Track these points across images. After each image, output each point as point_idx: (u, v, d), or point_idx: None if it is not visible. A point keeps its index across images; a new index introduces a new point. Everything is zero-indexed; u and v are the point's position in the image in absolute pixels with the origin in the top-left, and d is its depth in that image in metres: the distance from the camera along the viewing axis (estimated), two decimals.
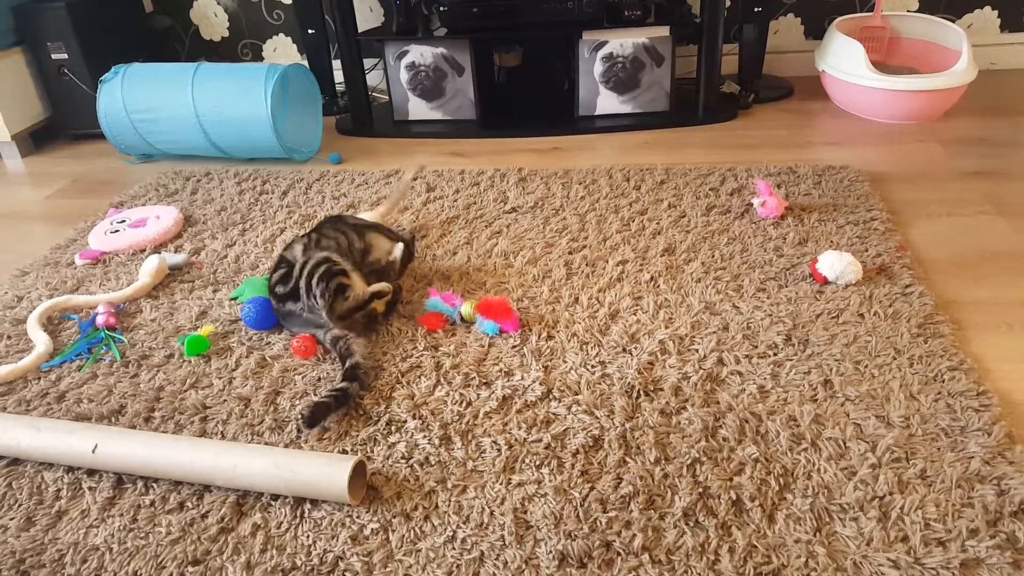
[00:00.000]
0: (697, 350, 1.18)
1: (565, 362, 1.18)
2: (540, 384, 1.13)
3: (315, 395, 1.15)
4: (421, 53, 2.17)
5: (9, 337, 1.36)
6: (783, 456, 0.97)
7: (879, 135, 1.96)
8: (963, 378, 1.07)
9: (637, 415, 1.06)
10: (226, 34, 2.62)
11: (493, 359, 1.20)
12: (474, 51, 2.16)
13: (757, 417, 1.04)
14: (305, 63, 2.42)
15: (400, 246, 1.40)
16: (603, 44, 2.10)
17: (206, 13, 2.58)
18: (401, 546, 0.90)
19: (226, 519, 0.95)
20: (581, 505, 0.93)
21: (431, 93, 2.23)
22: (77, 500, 1.00)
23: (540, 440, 1.03)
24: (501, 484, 0.97)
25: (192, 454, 1.00)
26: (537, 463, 1.00)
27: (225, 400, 1.16)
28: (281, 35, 2.60)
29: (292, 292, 1.27)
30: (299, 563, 0.89)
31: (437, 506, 0.95)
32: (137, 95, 2.00)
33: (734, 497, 0.92)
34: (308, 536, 0.92)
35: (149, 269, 1.49)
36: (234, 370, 1.23)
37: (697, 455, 0.98)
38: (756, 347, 1.18)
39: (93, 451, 1.01)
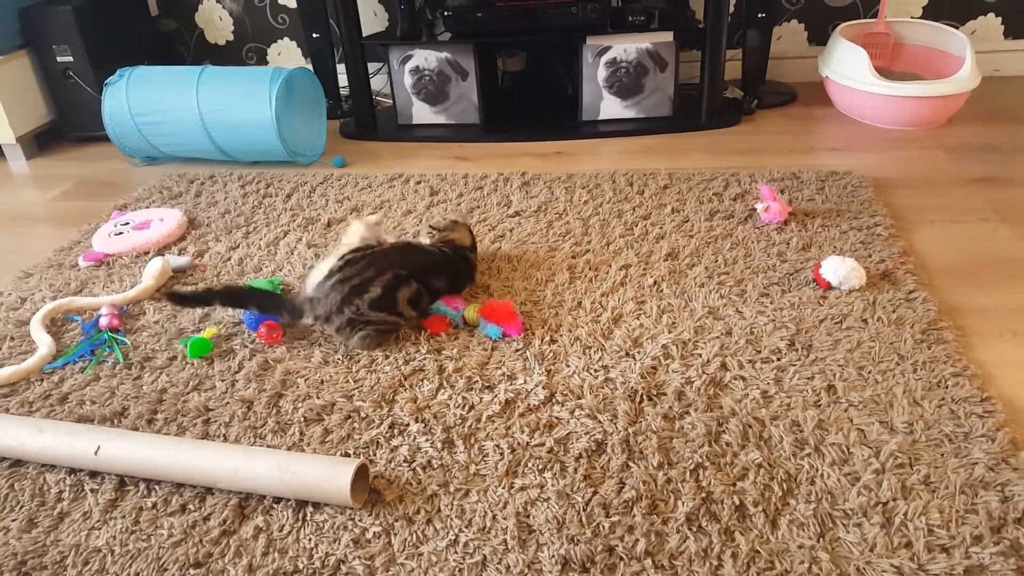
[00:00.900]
0: (700, 355, 1.18)
1: (568, 366, 1.18)
2: (543, 388, 1.13)
3: (318, 398, 1.15)
4: (425, 57, 2.18)
5: (12, 339, 1.36)
6: (786, 461, 0.97)
7: (882, 141, 1.96)
8: (967, 384, 1.07)
9: (640, 419, 1.06)
10: (231, 38, 2.63)
11: (496, 363, 1.20)
12: (478, 56, 2.17)
13: (760, 422, 1.04)
14: (310, 67, 2.43)
15: None
16: (607, 49, 2.10)
17: (211, 17, 2.59)
18: (403, 550, 0.90)
19: (228, 522, 0.95)
20: (584, 509, 0.93)
21: (435, 97, 2.24)
22: (79, 502, 1.00)
23: (543, 444, 1.03)
24: (504, 488, 0.97)
25: (194, 456, 1.00)
26: (540, 467, 0.99)
27: (228, 403, 1.16)
28: (286, 39, 2.61)
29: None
30: (301, 566, 0.89)
31: (439, 510, 0.95)
32: (142, 98, 2.01)
33: (737, 502, 0.92)
34: (310, 539, 0.92)
35: (153, 271, 1.49)
36: (237, 372, 1.23)
37: (700, 460, 0.98)
38: (759, 352, 1.18)
39: (95, 453, 1.01)
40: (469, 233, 1.44)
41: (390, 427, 1.09)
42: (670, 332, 1.24)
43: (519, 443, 1.04)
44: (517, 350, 1.22)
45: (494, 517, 0.93)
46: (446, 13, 2.09)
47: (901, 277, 1.33)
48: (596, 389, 1.12)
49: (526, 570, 0.86)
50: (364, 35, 2.24)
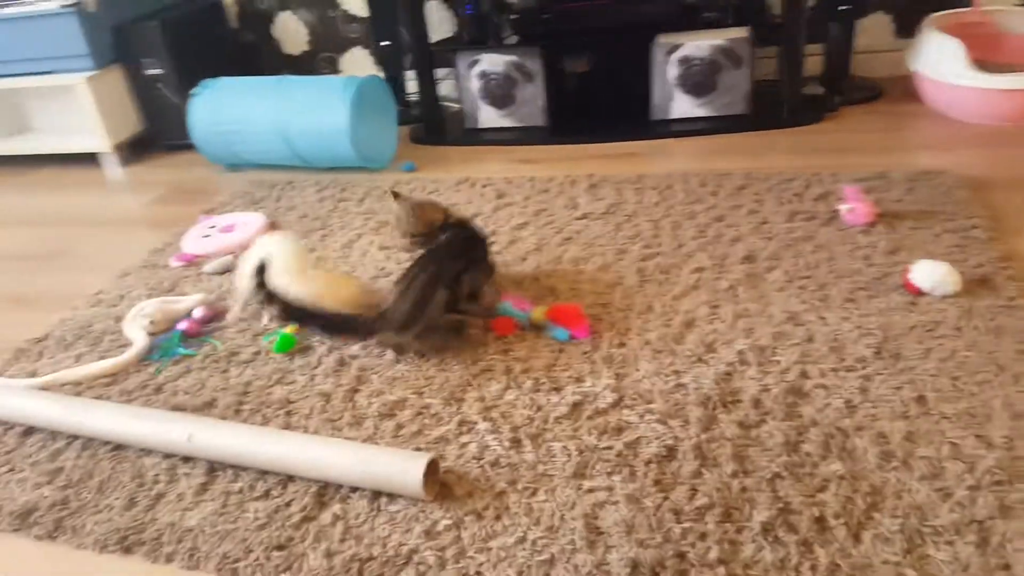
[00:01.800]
0: (779, 361, 1.13)
1: (638, 370, 1.15)
2: (611, 391, 1.11)
3: (390, 394, 1.17)
4: (492, 62, 2.19)
5: (112, 333, 1.44)
6: (871, 474, 0.92)
7: (979, 138, 1.84)
8: None
9: (714, 426, 1.03)
10: (306, 47, 2.71)
11: (563, 365, 1.19)
12: (544, 58, 2.16)
13: (843, 433, 0.99)
14: (380, 74, 2.48)
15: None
16: (679, 47, 2.06)
17: (287, 27, 2.69)
18: (473, 543, 0.90)
19: (308, 508, 0.99)
20: (654, 514, 0.90)
21: (501, 101, 2.24)
22: (174, 484, 1.06)
23: (611, 448, 1.01)
24: (572, 489, 0.96)
25: (277, 445, 1.04)
26: (608, 470, 0.98)
27: (308, 396, 1.20)
28: (357, 48, 2.67)
29: None
30: (376, 553, 0.91)
31: (508, 507, 0.95)
32: (223, 108, 2.10)
33: (817, 514, 0.87)
34: (384, 528, 0.94)
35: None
36: (316, 368, 1.27)
37: (778, 469, 0.94)
38: (843, 360, 1.12)
39: (188, 440, 1.07)
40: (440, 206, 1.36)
41: (459, 424, 1.09)
42: (747, 338, 1.20)
43: (587, 445, 1.02)
44: (585, 353, 1.21)
45: (562, 517, 0.92)
46: (512, 16, 2.09)
47: (1001, 283, 1.24)
48: (667, 394, 1.09)
49: (595, 571, 0.85)
50: (432, 41, 2.27)
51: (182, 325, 1.41)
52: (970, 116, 1.95)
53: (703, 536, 0.87)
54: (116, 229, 1.98)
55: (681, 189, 1.73)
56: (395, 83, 2.42)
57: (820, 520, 0.87)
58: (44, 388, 1.27)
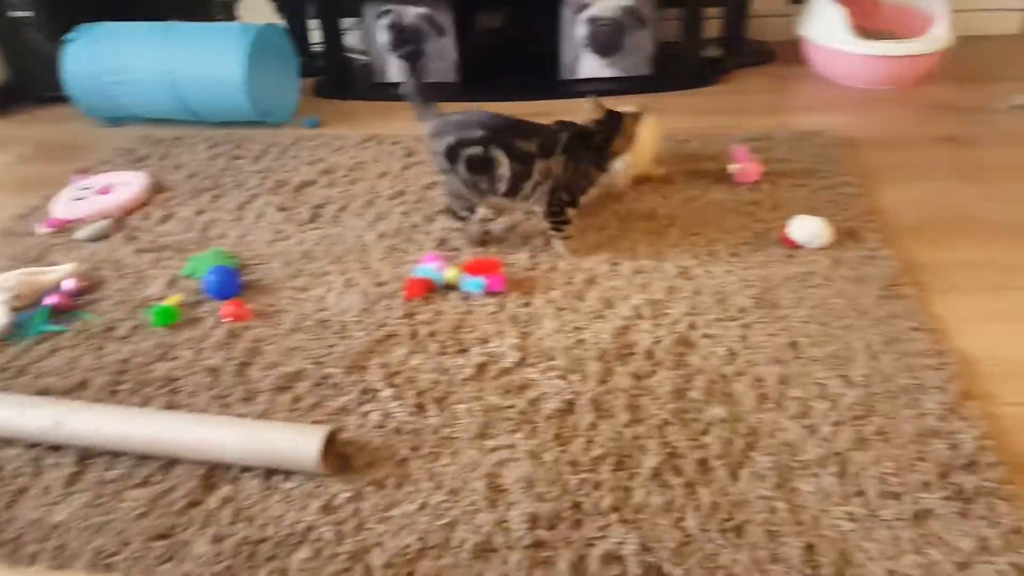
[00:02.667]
0: (670, 314, 1.20)
1: (542, 328, 1.20)
2: (516, 350, 1.15)
3: (287, 366, 1.15)
4: (402, 13, 2.14)
5: None
6: (749, 416, 1.01)
7: (856, 100, 1.97)
8: (923, 338, 1.11)
9: (609, 379, 1.09)
10: None
11: (469, 327, 1.22)
12: (456, 12, 2.13)
13: (725, 379, 1.07)
14: (281, 23, 2.38)
15: None
16: (586, 6, 2.08)
17: None
18: (372, 514, 0.91)
19: (194, 493, 0.95)
20: (553, 468, 0.96)
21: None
22: (38, 477, 0.98)
23: (514, 406, 1.05)
24: (475, 450, 0.99)
25: (158, 427, 0.99)
26: (511, 428, 1.02)
27: (194, 371, 1.15)
28: None
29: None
30: (269, 534, 0.89)
31: (410, 474, 0.96)
32: (104, 56, 1.94)
33: (700, 456, 0.95)
34: (278, 507, 0.92)
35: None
36: (203, 341, 1.21)
37: (666, 416, 1.01)
38: (727, 311, 1.20)
39: (56, 426, 0.99)
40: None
41: (361, 393, 1.09)
42: (642, 293, 1.26)
43: (491, 405, 1.06)
44: (491, 313, 1.24)
45: (465, 479, 0.95)
46: None
47: (866, 235, 1.36)
48: (568, 350, 1.15)
49: (495, 528, 0.89)
50: None
51: (50, 299, 1.29)
52: (850, 80, 2.07)
53: (597, 485, 0.93)
54: None
55: None
56: (297, 33, 2.33)
57: (703, 462, 0.95)
58: None
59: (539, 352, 1.15)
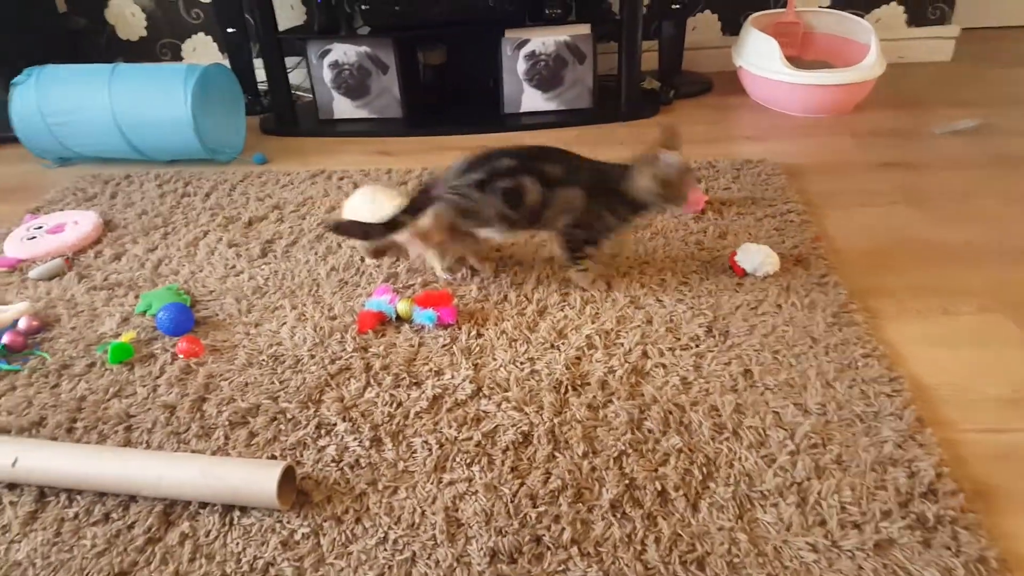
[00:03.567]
0: (622, 344, 1.20)
1: (495, 359, 1.18)
2: (470, 382, 1.13)
3: (242, 401, 1.12)
4: (344, 51, 2.14)
5: None
6: (706, 445, 1.00)
7: (794, 128, 2.03)
8: (876, 364, 1.12)
9: (565, 410, 1.07)
10: (144, 33, 2.51)
11: (423, 359, 1.19)
12: (398, 49, 2.14)
13: (680, 408, 1.07)
14: (226, 62, 2.35)
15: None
16: (525, 42, 2.10)
17: (123, 12, 2.47)
18: (332, 550, 0.89)
19: (153, 529, 0.93)
20: (511, 501, 0.93)
21: (356, 91, 2.20)
22: None
23: (470, 438, 1.03)
24: (432, 484, 0.97)
25: (117, 464, 0.97)
26: (468, 461, 1.00)
27: (150, 408, 1.13)
28: (201, 34, 2.51)
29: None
30: (229, 571, 0.87)
31: (368, 508, 0.94)
32: (52, 97, 1.91)
33: (659, 488, 0.94)
34: (238, 543, 0.91)
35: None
36: (158, 377, 1.19)
37: (623, 447, 1.00)
38: (679, 339, 1.20)
39: (13, 465, 0.98)
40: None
41: (317, 427, 1.07)
42: (593, 323, 1.26)
43: (447, 438, 1.03)
44: (444, 345, 1.22)
45: (423, 513, 0.93)
46: (364, 7, 2.05)
47: (813, 262, 1.39)
48: (522, 381, 1.13)
49: (455, 564, 0.86)
50: (281, 29, 2.18)
51: (5, 338, 1.27)
52: (786, 108, 2.14)
53: (557, 518, 0.91)
54: None
55: None
56: (243, 72, 2.30)
57: (662, 493, 0.94)
58: None
59: (493, 384, 1.13)
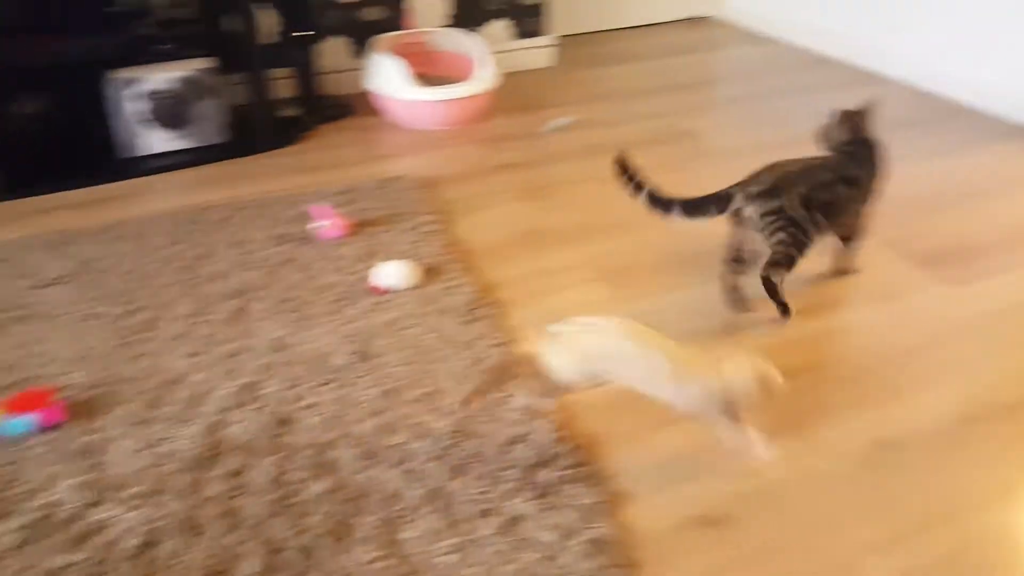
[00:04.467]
0: (265, 395, 1.13)
1: (115, 453, 1.03)
2: (80, 491, 0.97)
3: None
4: None
5: None
6: (352, 479, 0.98)
7: (429, 142, 2.13)
8: (502, 352, 1.20)
9: (199, 490, 0.97)
10: None
11: (11, 478, 0.99)
12: None
13: (326, 447, 1.03)
14: None
15: None
16: (139, 81, 1.91)
17: None
18: None
19: None
20: None
21: None
22: None
23: (86, 558, 0.88)
24: None
25: None
26: None
27: None
28: None
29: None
30: None
31: None
32: None
33: (305, 542, 0.89)
34: None
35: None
36: None
37: (266, 511, 0.93)
38: (325, 374, 1.17)
39: None
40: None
41: None
42: (232, 380, 1.17)
43: (51, 570, 0.87)
44: (45, 454, 1.03)
45: None
46: None
47: (447, 267, 1.45)
48: (147, 471, 1.00)
49: None
50: None
51: None
52: (419, 124, 2.23)
53: None
54: None
55: (159, 232, 1.61)
56: None
57: (306, 549, 0.89)
58: None
59: (111, 484, 0.98)
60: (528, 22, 2.65)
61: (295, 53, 2.23)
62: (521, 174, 1.90)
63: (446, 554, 0.87)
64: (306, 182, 1.86)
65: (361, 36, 2.48)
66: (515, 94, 2.46)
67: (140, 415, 1.10)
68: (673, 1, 3.19)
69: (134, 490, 0.97)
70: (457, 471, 0.98)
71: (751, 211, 1.24)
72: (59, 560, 0.88)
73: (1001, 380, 1.15)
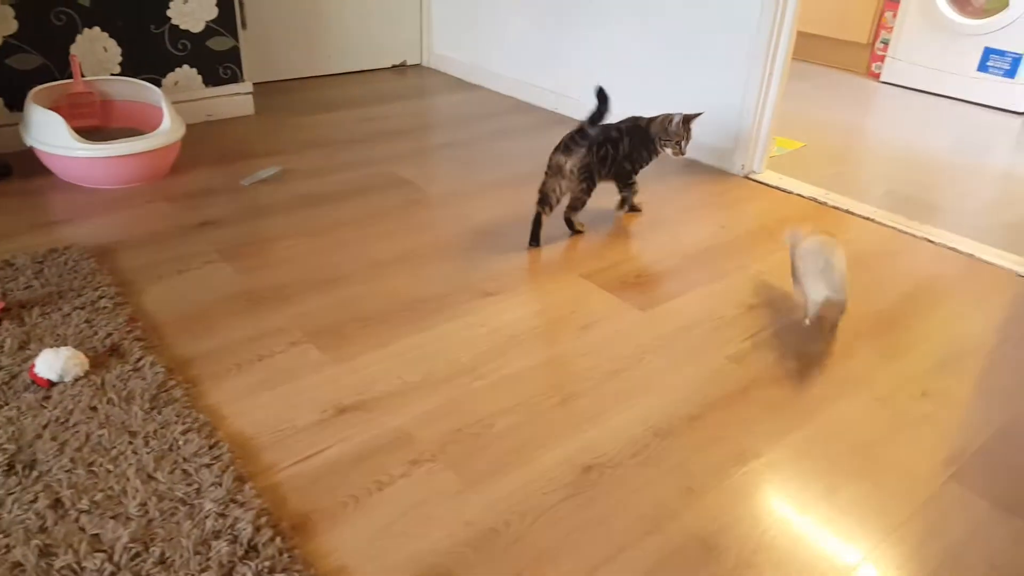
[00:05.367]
0: None
1: None
2: None
3: None
4: None
5: None
6: None
7: (108, 203, 1.90)
8: (196, 438, 1.10)
9: None
10: None
11: None
12: None
13: None
14: None
15: None
16: None
17: None
18: None
19: None
20: None
21: None
22: None
23: None
24: None
25: None
26: None
27: None
28: None
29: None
30: None
31: None
32: None
33: None
34: None
35: None
36: None
37: None
38: None
39: None
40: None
41: None
42: None
43: None
44: None
45: None
46: None
47: (129, 347, 1.30)
48: None
49: None
50: None
51: None
52: (96, 183, 1.99)
53: None
54: None
55: None
56: None
57: None
58: None
59: None
60: (220, 69, 2.52)
61: None
62: (221, 232, 1.78)
63: None
64: None
65: (13, 87, 2.15)
66: (211, 145, 2.32)
67: None
68: (376, 50, 3.27)
69: None
70: None
71: (570, 165, 1.73)
72: None
73: (683, 394, 1.29)
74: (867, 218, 2.04)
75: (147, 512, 0.97)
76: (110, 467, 1.04)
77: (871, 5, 3.65)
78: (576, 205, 1.82)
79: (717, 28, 2.24)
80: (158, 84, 2.39)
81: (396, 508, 1.02)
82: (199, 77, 2.48)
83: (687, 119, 1.83)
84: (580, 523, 1.01)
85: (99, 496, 0.99)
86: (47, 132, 1.92)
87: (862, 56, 3.77)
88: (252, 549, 0.92)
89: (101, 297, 1.44)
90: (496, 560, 0.95)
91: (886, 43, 3.60)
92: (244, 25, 2.79)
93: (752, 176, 2.30)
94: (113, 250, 1.65)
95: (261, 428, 1.15)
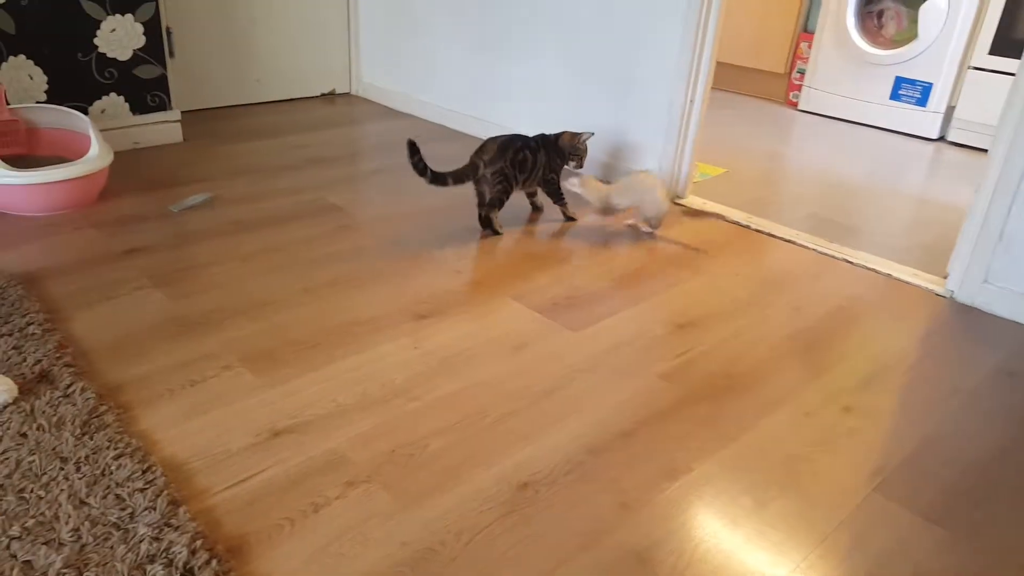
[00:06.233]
0: None
1: None
2: None
3: None
4: None
5: None
6: None
7: (35, 231, 1.88)
8: (128, 463, 1.10)
9: None
10: None
11: None
12: None
13: None
14: None
15: None
16: None
17: None
18: None
19: None
20: None
21: None
22: None
23: None
24: None
25: None
26: None
27: None
28: None
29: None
30: None
31: None
32: None
33: None
34: None
35: None
36: None
37: None
38: None
39: None
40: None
41: None
42: None
43: None
44: None
45: None
46: None
47: (59, 373, 1.29)
48: None
49: None
50: None
51: None
52: (22, 210, 1.96)
53: None
54: None
55: None
56: None
57: None
58: None
59: None
60: (148, 97, 2.50)
61: None
62: (150, 258, 1.77)
63: None
64: None
65: None
66: (140, 173, 2.31)
67: None
68: (305, 78, 3.31)
69: None
70: None
71: (486, 172, 2.00)
72: None
73: (616, 411, 1.33)
74: (789, 240, 2.15)
75: (80, 537, 0.97)
76: (41, 493, 1.03)
77: (787, 37, 3.89)
78: (494, 203, 2.05)
79: (639, 57, 2.37)
80: (85, 112, 2.37)
81: (332, 530, 1.03)
82: (127, 105, 2.47)
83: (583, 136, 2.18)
84: (516, 540, 1.03)
85: (30, 522, 0.99)
86: None
87: (780, 85, 4.00)
88: (188, 572, 0.93)
89: (29, 324, 1.42)
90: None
91: (802, 73, 3.83)
92: (172, 54, 2.79)
93: (677, 201, 2.42)
94: (41, 277, 1.63)
95: (195, 452, 1.16)
